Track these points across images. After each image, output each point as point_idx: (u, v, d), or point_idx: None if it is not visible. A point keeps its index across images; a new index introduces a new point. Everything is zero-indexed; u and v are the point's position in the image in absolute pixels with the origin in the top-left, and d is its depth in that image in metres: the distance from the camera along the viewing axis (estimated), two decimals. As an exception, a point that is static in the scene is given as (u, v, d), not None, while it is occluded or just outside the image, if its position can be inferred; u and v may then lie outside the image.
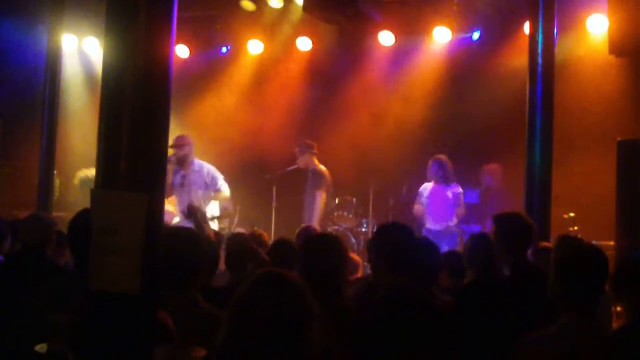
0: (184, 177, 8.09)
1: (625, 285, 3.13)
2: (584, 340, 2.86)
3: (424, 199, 8.59)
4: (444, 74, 9.67)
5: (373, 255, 3.90)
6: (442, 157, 8.55)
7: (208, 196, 8.12)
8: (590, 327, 2.92)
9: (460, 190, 8.54)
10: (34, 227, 4.50)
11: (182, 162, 8.10)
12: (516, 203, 8.32)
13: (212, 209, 8.15)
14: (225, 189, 8.23)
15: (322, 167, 8.90)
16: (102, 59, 2.65)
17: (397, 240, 3.78)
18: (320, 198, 8.69)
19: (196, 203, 7.37)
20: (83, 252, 3.39)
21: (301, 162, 8.95)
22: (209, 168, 8.27)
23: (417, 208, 8.61)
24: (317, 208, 8.68)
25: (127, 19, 2.58)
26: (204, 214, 7.08)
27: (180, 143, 8.09)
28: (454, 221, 8.43)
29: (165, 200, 7.99)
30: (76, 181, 8.77)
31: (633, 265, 3.23)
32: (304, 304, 2.25)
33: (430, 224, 8.48)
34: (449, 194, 8.50)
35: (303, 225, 7.08)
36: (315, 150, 8.94)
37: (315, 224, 8.32)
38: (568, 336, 2.88)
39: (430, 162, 8.57)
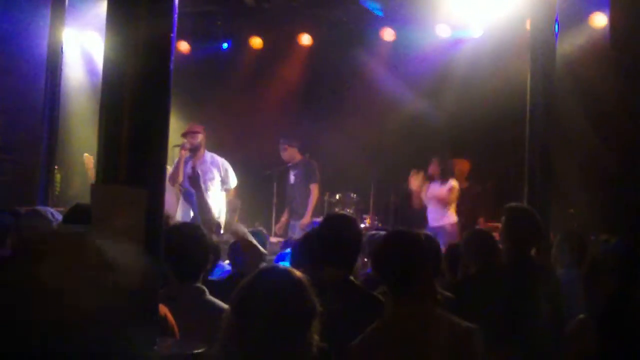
0: (193, 168, 7.76)
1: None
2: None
3: (425, 199, 8.43)
4: (446, 69, 9.66)
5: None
6: (441, 153, 8.46)
7: (217, 189, 7.92)
8: None
9: (454, 185, 8.23)
10: (36, 222, 4.50)
11: (194, 151, 7.88)
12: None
13: (219, 203, 7.95)
14: (234, 185, 8.15)
15: (312, 160, 8.90)
16: (103, 53, 2.65)
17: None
18: (316, 191, 8.69)
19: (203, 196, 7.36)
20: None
21: (286, 156, 8.96)
22: (222, 162, 8.07)
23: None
24: (312, 202, 8.67)
25: (128, 13, 2.58)
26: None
27: (192, 131, 7.87)
28: (449, 219, 8.13)
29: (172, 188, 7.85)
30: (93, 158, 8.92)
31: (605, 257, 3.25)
32: (307, 301, 2.23)
33: (430, 224, 8.24)
34: (443, 191, 8.23)
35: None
36: (296, 143, 8.91)
37: (308, 216, 8.44)
38: None
39: (431, 160, 8.43)
